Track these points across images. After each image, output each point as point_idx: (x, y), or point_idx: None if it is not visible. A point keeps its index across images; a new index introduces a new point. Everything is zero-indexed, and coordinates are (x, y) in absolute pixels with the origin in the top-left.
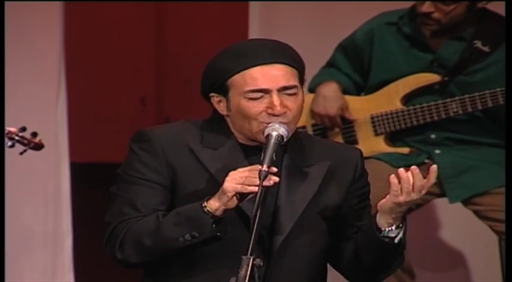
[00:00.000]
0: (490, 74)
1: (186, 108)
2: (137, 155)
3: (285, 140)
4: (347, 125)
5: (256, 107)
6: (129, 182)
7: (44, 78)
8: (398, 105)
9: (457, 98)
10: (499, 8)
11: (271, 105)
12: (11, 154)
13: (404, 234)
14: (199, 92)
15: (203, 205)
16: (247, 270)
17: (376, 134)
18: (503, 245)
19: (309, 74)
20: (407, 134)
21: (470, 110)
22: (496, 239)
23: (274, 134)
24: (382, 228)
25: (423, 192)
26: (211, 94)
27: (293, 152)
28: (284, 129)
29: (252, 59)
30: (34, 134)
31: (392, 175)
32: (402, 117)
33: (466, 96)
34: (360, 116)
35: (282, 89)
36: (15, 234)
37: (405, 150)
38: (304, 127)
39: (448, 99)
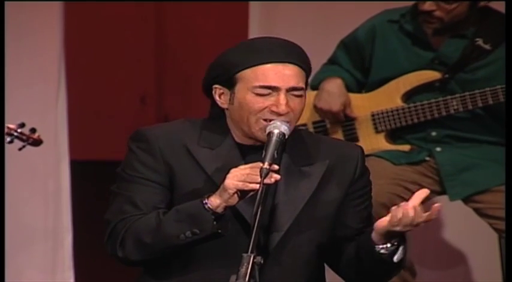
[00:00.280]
0: (490, 71)
1: (186, 107)
2: (136, 154)
3: (286, 137)
4: (348, 123)
5: (260, 103)
6: (129, 181)
7: (44, 76)
8: (398, 102)
9: (457, 95)
10: (499, 8)
11: (276, 104)
12: (11, 152)
13: (404, 253)
14: (202, 83)
15: (204, 202)
16: (247, 267)
17: (377, 132)
18: (503, 243)
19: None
20: (408, 132)
21: (470, 107)
22: (496, 236)
23: (276, 131)
24: (375, 245)
25: (421, 225)
26: (215, 86)
27: (292, 150)
28: (286, 127)
29: (265, 55)
30: (33, 130)
31: (394, 207)
32: (403, 114)
33: (467, 93)
34: (361, 114)
35: (290, 89)
36: (16, 232)
37: (406, 147)
38: (305, 125)
39: (449, 97)
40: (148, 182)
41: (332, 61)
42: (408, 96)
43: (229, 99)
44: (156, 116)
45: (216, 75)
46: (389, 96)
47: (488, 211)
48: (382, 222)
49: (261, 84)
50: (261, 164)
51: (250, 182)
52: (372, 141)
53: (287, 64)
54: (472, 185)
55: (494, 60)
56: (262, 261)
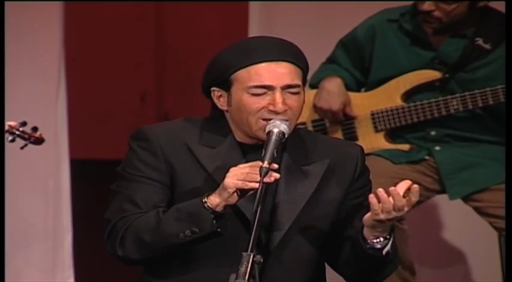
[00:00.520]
0: (491, 71)
1: (186, 105)
2: (136, 153)
3: (286, 136)
4: (347, 122)
5: (257, 103)
6: (129, 180)
7: (44, 75)
8: (398, 101)
9: (457, 95)
10: (499, 8)
11: (273, 102)
12: (11, 150)
13: (392, 245)
14: (201, 85)
15: (203, 201)
16: (247, 266)
17: (376, 131)
18: (503, 242)
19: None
20: (408, 131)
21: (470, 107)
22: (496, 235)
23: (276, 130)
24: (368, 240)
25: (406, 209)
26: (213, 88)
27: (292, 149)
28: (285, 126)
29: (258, 55)
30: (34, 129)
31: (371, 195)
32: (402, 113)
33: (467, 93)
34: (360, 113)
35: (285, 87)
36: (16, 231)
37: (405, 146)
38: (304, 123)
39: (449, 96)
40: (149, 181)
41: (331, 60)
42: (408, 96)
43: (228, 101)
44: (156, 115)
45: (213, 78)
46: (389, 96)
47: (488, 210)
48: (368, 216)
49: (256, 84)
50: (261, 163)
51: (250, 181)
52: (372, 140)
53: (280, 62)
54: (471, 183)
55: (494, 60)
56: (262, 260)
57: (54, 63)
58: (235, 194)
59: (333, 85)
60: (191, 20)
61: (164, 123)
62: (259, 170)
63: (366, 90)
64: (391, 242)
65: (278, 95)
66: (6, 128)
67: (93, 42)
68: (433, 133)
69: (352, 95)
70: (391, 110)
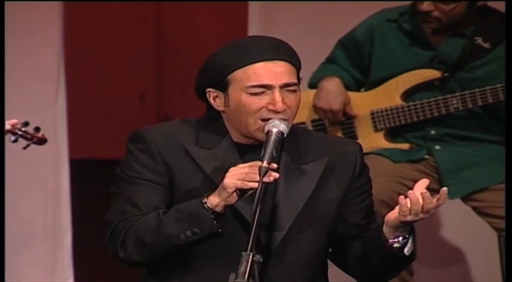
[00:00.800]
0: (490, 70)
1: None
2: (134, 155)
3: (285, 136)
4: (347, 121)
5: (256, 103)
6: (128, 182)
7: (43, 75)
8: (398, 101)
9: (457, 94)
10: (499, 8)
11: (273, 102)
12: (11, 150)
13: (413, 244)
14: (194, 87)
15: (203, 201)
16: (246, 266)
17: (376, 130)
18: (502, 242)
19: (308, 73)
20: (407, 130)
21: (470, 106)
22: (495, 235)
23: (275, 130)
24: (388, 239)
25: (431, 212)
26: (208, 89)
27: (291, 148)
28: (284, 126)
29: (255, 54)
30: (37, 129)
31: (401, 196)
32: (402, 113)
33: (467, 92)
34: (360, 112)
35: (284, 86)
36: (15, 231)
37: (405, 146)
38: (303, 123)
39: (449, 95)
40: (148, 183)
41: (330, 60)
42: (408, 95)
43: (224, 102)
44: (156, 114)
45: (208, 79)
46: (388, 95)
47: (487, 210)
48: (392, 215)
49: (254, 83)
50: (260, 163)
51: (249, 181)
52: (371, 140)
53: (277, 61)
54: (471, 183)
55: (494, 59)
56: (261, 260)
57: (54, 62)
58: (234, 193)
59: (332, 85)
60: (191, 19)
61: (161, 124)
62: (259, 170)
63: (366, 90)
64: (411, 240)
65: (277, 94)
66: (9, 127)
67: (93, 42)
68: (432, 132)
69: (352, 95)
70: (391, 110)
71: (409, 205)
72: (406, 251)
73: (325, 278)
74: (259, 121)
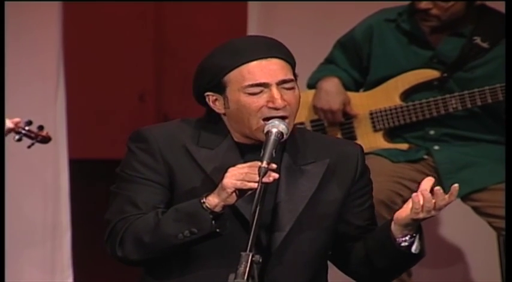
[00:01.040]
0: (489, 69)
1: (185, 105)
2: (135, 154)
3: (284, 137)
4: (346, 121)
5: (256, 102)
6: (128, 181)
7: (43, 75)
8: (397, 101)
9: (456, 94)
10: (499, 8)
11: (271, 99)
12: (11, 151)
13: (422, 243)
14: (192, 93)
15: (202, 201)
16: (246, 266)
17: (375, 130)
18: (502, 241)
19: (308, 73)
20: (406, 130)
21: (469, 106)
22: (494, 235)
23: (274, 130)
24: (396, 238)
25: (442, 209)
26: (207, 93)
27: (292, 149)
28: (284, 126)
29: (248, 54)
30: (40, 127)
31: (415, 194)
32: (401, 113)
33: (466, 92)
34: (359, 112)
35: (280, 83)
36: (15, 231)
37: (404, 146)
38: (302, 123)
39: (448, 95)
40: (148, 182)
41: (329, 60)
42: (407, 95)
43: (224, 104)
44: (155, 115)
45: (205, 83)
46: (387, 95)
47: (486, 209)
48: (403, 213)
49: (250, 83)
50: (260, 163)
51: (249, 181)
52: (370, 140)
53: (270, 59)
54: (470, 183)
55: (493, 59)
56: (261, 260)
57: (53, 62)
58: (234, 194)
59: (331, 85)
60: (190, 19)
61: (162, 124)
62: (258, 170)
63: (365, 90)
64: (418, 239)
65: (275, 91)
66: (12, 126)
67: (92, 42)
68: (431, 132)
69: (351, 95)
70: (390, 110)
71: (421, 202)
72: (413, 249)
73: (325, 279)
74: (261, 121)
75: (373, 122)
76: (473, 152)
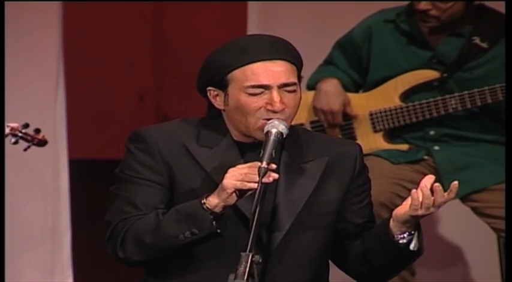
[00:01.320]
0: (488, 70)
1: (185, 105)
2: (134, 155)
3: (284, 136)
4: (346, 122)
5: (255, 103)
6: (128, 182)
7: (42, 75)
8: (397, 102)
9: (456, 94)
10: (499, 8)
11: (271, 102)
12: (10, 151)
13: (420, 240)
14: (196, 85)
15: (202, 202)
16: (246, 266)
17: (375, 131)
18: (502, 242)
19: (307, 73)
20: (406, 131)
21: (469, 106)
22: (494, 236)
23: (274, 131)
24: (394, 235)
25: (441, 206)
26: (209, 88)
27: (291, 147)
28: (284, 126)
29: (253, 54)
30: (37, 131)
31: (414, 190)
32: (401, 114)
33: (465, 92)
34: (359, 113)
35: (282, 86)
36: (15, 232)
37: (404, 147)
38: (302, 124)
39: (447, 96)
40: (148, 183)
41: (328, 62)
42: (406, 96)
43: (224, 101)
44: (155, 115)
45: (208, 78)
46: (387, 96)
47: (486, 210)
48: (402, 209)
49: (252, 83)
50: (259, 164)
51: (249, 182)
52: (370, 141)
53: (275, 60)
54: (470, 183)
55: (492, 59)
56: (260, 260)
57: (53, 63)
58: (233, 194)
59: (331, 86)
60: (190, 20)
61: (161, 124)
62: (258, 171)
63: (364, 91)
64: (417, 236)
65: (275, 94)
66: (9, 130)
67: (92, 43)
68: (431, 133)
69: (351, 96)
70: (390, 110)
71: (420, 199)
72: (412, 246)
73: (327, 279)
74: (261, 120)
75: (373, 123)
76: (473, 152)
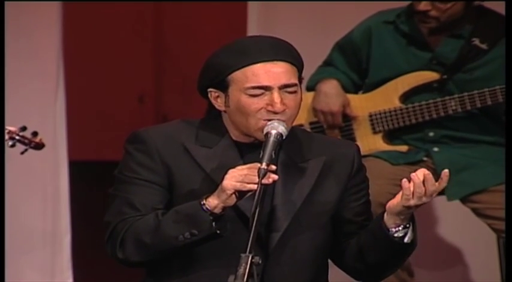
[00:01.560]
0: (488, 71)
1: (184, 106)
2: (132, 156)
3: (283, 138)
4: (345, 123)
5: (256, 104)
6: (127, 183)
7: (42, 76)
8: (396, 103)
9: (456, 96)
10: (499, 8)
11: (271, 103)
12: (10, 153)
13: (414, 232)
14: (196, 86)
15: (202, 203)
16: (245, 268)
17: (375, 132)
18: (502, 243)
19: (307, 74)
20: (406, 132)
21: (469, 107)
22: (494, 237)
23: (274, 132)
24: (389, 229)
25: (434, 196)
26: (210, 89)
27: (289, 147)
28: (283, 128)
29: (254, 55)
30: (34, 134)
31: (404, 179)
32: (401, 115)
33: (465, 94)
34: (358, 114)
35: (282, 87)
36: (15, 234)
37: (403, 148)
38: (301, 125)
39: (447, 97)
40: (147, 183)
41: (328, 63)
42: (406, 97)
43: (225, 102)
44: (155, 116)
45: (209, 79)
46: (387, 97)
47: (486, 211)
48: (395, 201)
49: (253, 85)
50: (259, 165)
51: (248, 183)
52: (370, 142)
53: (276, 62)
54: (469, 185)
55: (491, 60)
56: (260, 261)
57: (53, 64)
58: (233, 195)
59: (330, 87)
60: (190, 20)
61: (160, 125)
62: (258, 172)
63: (364, 92)
64: (411, 229)
65: (276, 95)
66: (6, 133)
67: (92, 43)
68: (431, 134)
69: (350, 97)
70: (389, 112)
71: (412, 188)
72: (406, 239)
73: (326, 279)
74: (261, 121)
75: (372, 124)
76: (472, 153)
